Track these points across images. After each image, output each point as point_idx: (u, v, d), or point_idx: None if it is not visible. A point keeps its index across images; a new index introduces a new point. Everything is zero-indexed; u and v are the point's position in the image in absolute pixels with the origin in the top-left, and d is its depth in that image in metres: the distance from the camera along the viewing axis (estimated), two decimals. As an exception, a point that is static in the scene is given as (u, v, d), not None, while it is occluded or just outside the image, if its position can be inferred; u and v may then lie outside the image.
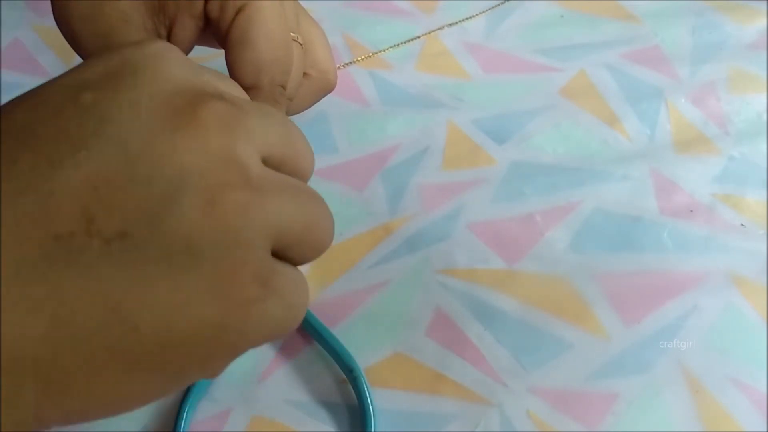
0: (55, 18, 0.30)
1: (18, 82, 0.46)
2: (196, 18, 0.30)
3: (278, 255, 0.21)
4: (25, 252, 0.17)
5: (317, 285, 0.38)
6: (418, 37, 0.50)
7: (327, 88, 0.37)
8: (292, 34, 0.32)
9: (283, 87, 0.31)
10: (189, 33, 0.31)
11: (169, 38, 0.32)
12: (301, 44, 0.33)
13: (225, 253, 0.19)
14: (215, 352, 0.19)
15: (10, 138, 0.19)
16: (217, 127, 0.19)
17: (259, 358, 0.36)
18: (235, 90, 0.23)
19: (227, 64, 0.30)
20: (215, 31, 0.31)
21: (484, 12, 0.52)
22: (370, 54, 0.48)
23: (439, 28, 0.50)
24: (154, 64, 0.20)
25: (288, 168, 0.22)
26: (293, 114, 0.38)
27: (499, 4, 0.52)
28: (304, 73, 0.35)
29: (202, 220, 0.18)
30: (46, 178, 0.18)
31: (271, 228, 0.20)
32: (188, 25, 0.31)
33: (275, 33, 0.30)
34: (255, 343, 0.20)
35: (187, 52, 0.33)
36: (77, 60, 0.47)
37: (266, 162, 0.21)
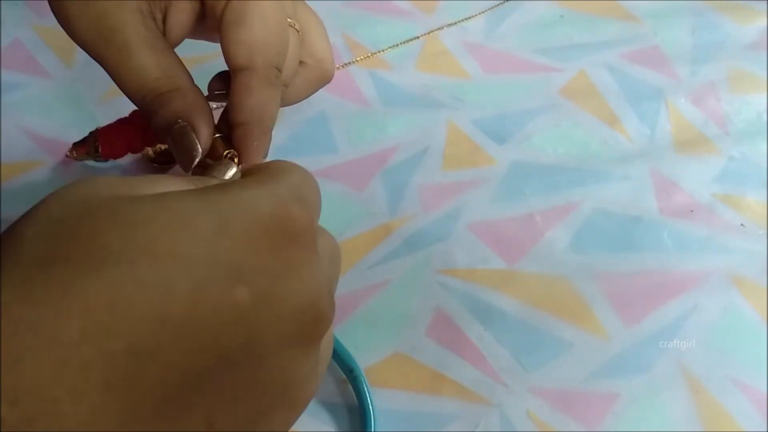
0: (49, 2, 0.30)
1: (18, 82, 0.46)
2: (192, 0, 0.30)
3: None
4: None
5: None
6: (418, 37, 0.50)
7: (324, 78, 0.37)
8: (288, 19, 0.32)
9: (279, 69, 0.31)
10: (185, 16, 0.31)
11: (164, 22, 0.31)
12: (297, 30, 0.33)
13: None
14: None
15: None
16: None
17: (259, 358, 0.36)
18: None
19: (222, 47, 0.30)
20: (210, 15, 0.30)
21: (483, 12, 0.52)
22: (369, 54, 0.48)
23: (439, 28, 0.50)
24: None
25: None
26: (290, 104, 0.37)
27: (499, 4, 0.52)
28: (301, 62, 0.35)
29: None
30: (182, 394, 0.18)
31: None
32: (184, 7, 0.31)
33: (270, 14, 0.30)
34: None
35: (182, 38, 0.33)
36: (77, 60, 0.47)
37: None
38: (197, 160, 0.29)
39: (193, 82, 0.31)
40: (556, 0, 0.52)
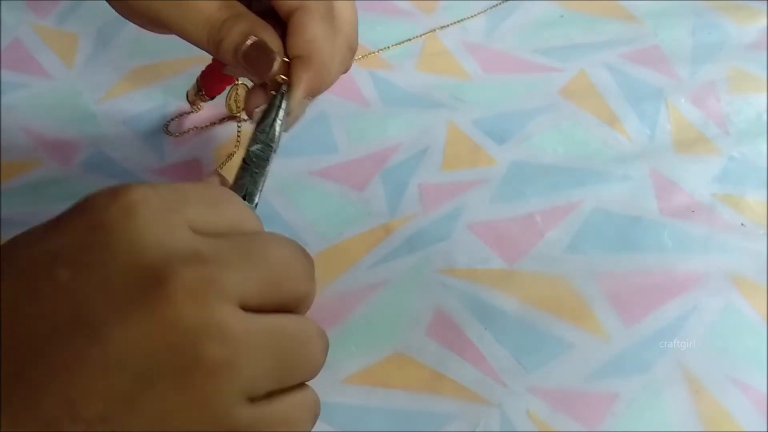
0: None
1: (18, 82, 0.46)
2: None
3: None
4: None
5: (317, 285, 0.38)
6: (418, 36, 0.50)
7: (353, 48, 0.36)
8: None
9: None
10: None
11: None
12: None
13: (204, 424, 0.19)
14: None
15: None
16: (187, 299, 0.19)
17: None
18: (217, 217, 0.23)
19: None
20: None
21: (484, 11, 0.52)
22: (368, 53, 0.48)
23: (440, 28, 0.50)
24: (126, 227, 0.20)
25: (274, 306, 0.22)
26: (331, 77, 0.35)
27: (498, 4, 0.52)
28: None
29: (178, 398, 0.19)
30: (30, 367, 0.19)
31: (249, 381, 0.20)
32: None
33: None
34: None
35: None
36: (77, 60, 0.47)
37: (246, 305, 0.21)
38: (276, 64, 0.31)
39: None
40: (556, 0, 0.52)
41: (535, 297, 0.38)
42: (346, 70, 0.36)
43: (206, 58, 0.41)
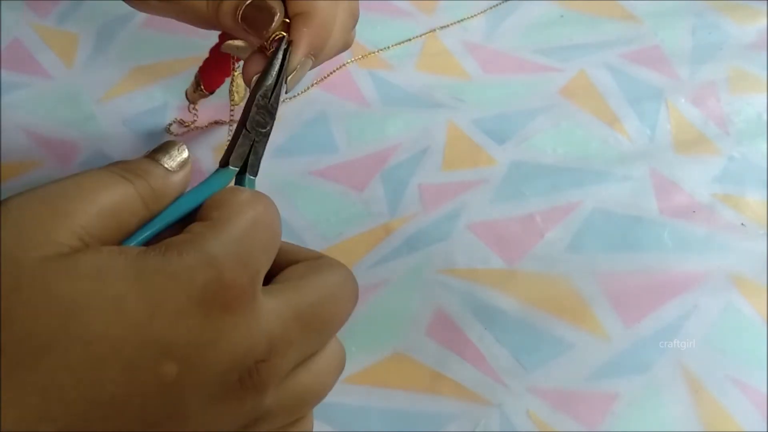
0: None
1: (18, 82, 0.46)
2: None
3: None
4: None
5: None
6: (419, 37, 0.50)
7: (355, 15, 0.37)
8: None
9: None
10: None
11: None
12: None
13: None
14: None
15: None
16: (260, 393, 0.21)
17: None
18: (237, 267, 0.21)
19: None
20: None
21: (484, 11, 0.52)
22: (368, 53, 0.48)
23: (442, 27, 0.50)
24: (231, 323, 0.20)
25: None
26: (331, 49, 0.35)
27: (498, 4, 0.52)
28: None
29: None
30: None
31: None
32: None
33: None
34: None
35: None
36: (77, 60, 0.47)
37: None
38: (276, 20, 0.31)
39: None
40: (556, 0, 0.52)
41: (535, 297, 0.38)
42: (347, 46, 0.36)
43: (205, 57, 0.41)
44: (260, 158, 0.27)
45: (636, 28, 0.51)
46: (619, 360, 0.36)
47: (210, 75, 0.41)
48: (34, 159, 0.42)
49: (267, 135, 0.28)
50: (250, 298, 0.20)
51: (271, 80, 0.30)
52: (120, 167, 0.22)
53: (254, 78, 0.31)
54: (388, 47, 0.49)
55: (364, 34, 0.50)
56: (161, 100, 0.45)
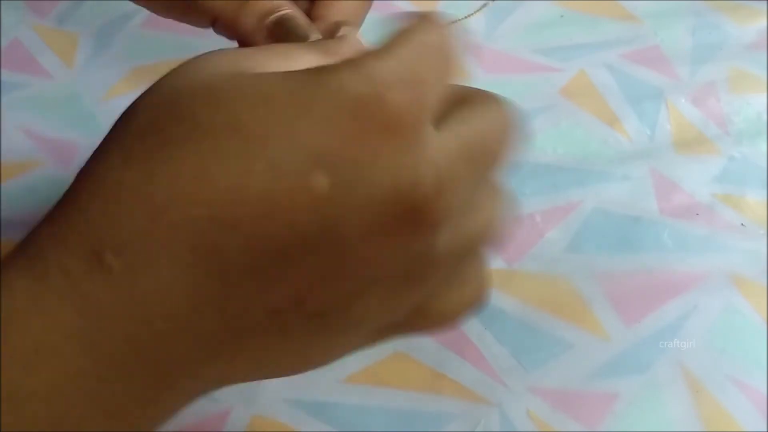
0: None
1: (18, 82, 0.46)
2: None
3: None
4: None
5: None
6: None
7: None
8: None
9: None
10: None
11: None
12: None
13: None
14: None
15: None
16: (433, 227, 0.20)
17: (259, 358, 0.36)
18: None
19: None
20: None
21: (481, 9, 0.51)
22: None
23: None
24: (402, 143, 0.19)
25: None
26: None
27: (486, 4, 0.52)
28: None
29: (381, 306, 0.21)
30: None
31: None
32: None
33: None
34: None
35: None
36: (77, 60, 0.47)
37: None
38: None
39: None
40: (556, 0, 0.52)
41: (535, 297, 0.38)
42: None
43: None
44: None
45: (636, 28, 0.51)
46: (619, 360, 0.36)
47: None
48: (34, 159, 0.42)
49: None
50: (417, 125, 0.19)
51: None
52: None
53: None
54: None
55: (364, 34, 0.50)
56: (161, 100, 0.45)
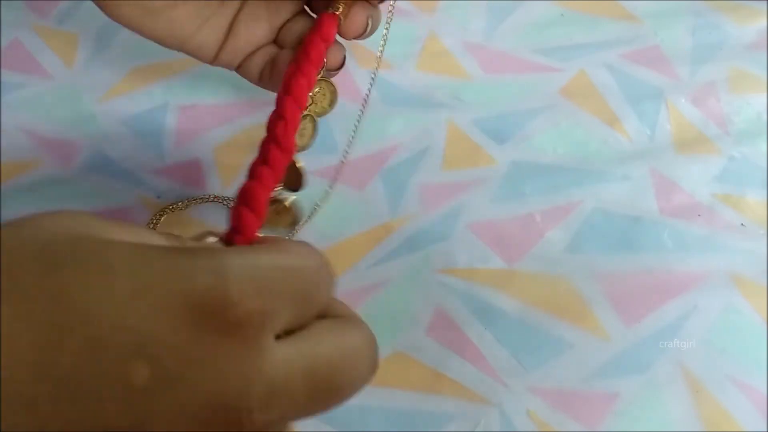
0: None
1: (18, 82, 0.46)
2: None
3: None
4: None
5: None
6: None
7: None
8: None
9: None
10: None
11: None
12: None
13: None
14: None
15: None
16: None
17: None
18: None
19: None
20: None
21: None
22: (379, 55, 0.48)
23: None
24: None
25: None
26: None
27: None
28: None
29: None
30: None
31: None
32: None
33: None
34: None
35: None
36: (77, 60, 0.47)
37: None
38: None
39: None
40: (556, 0, 0.52)
41: (535, 297, 0.38)
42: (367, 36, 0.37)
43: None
44: None
45: (636, 28, 0.51)
46: (619, 360, 0.36)
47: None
48: (34, 159, 0.42)
49: None
50: (257, 332, 0.18)
51: None
52: None
53: None
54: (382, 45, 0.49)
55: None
56: (161, 100, 0.45)
